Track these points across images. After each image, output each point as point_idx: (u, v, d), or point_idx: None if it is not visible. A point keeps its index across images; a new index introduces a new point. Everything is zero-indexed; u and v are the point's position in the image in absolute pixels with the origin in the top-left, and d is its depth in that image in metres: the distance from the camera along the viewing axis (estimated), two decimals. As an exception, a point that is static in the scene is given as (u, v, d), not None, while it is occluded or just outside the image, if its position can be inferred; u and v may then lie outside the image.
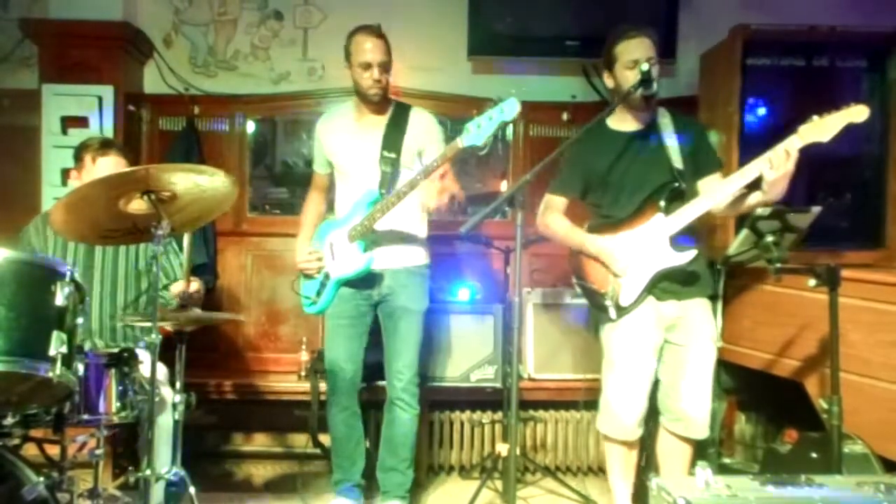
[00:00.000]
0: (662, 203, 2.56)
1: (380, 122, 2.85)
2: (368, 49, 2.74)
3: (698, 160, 2.65)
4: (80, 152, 2.78)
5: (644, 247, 2.58)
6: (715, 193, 2.52)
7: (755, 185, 2.45)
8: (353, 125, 2.90)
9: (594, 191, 2.73)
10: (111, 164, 2.72)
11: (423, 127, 2.81)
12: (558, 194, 2.76)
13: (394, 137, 2.80)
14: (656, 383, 2.69)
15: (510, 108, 2.35)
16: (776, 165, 2.33)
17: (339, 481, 2.96)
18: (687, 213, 2.53)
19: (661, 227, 2.56)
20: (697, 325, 2.64)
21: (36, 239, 2.81)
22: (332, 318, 2.92)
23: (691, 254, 2.53)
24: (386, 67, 2.76)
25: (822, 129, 2.29)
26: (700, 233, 2.70)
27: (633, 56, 2.54)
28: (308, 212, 3.07)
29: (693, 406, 2.63)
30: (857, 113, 2.28)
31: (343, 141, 2.91)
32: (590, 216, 2.78)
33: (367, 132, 2.85)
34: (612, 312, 2.63)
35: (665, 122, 2.66)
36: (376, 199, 2.74)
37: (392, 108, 2.87)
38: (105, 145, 2.80)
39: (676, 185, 2.57)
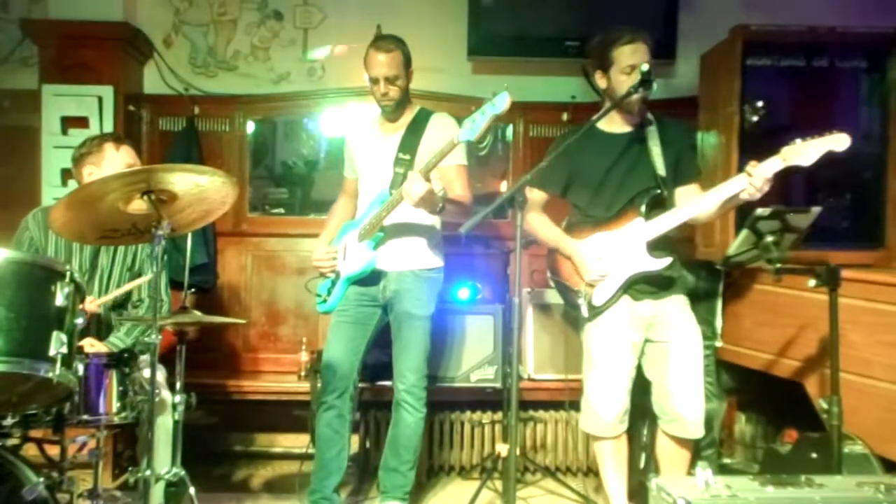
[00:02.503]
0: (643, 208, 2.59)
1: (400, 127, 2.88)
2: (375, 64, 2.78)
3: (678, 169, 2.68)
4: (93, 146, 2.75)
5: (621, 249, 2.61)
6: (694, 206, 2.56)
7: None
8: (375, 129, 2.95)
9: (576, 188, 2.74)
10: (132, 154, 2.76)
11: (441, 130, 2.79)
12: (539, 188, 2.75)
13: (411, 140, 2.83)
14: (648, 385, 2.70)
15: (501, 102, 2.35)
16: (758, 187, 2.37)
17: (312, 491, 2.89)
18: (666, 221, 2.56)
19: (639, 232, 2.59)
20: (676, 320, 2.66)
21: (37, 233, 2.76)
22: (336, 315, 2.92)
23: (667, 261, 2.57)
24: (394, 80, 2.78)
25: (804, 152, 2.32)
26: (674, 237, 2.71)
27: (631, 62, 2.55)
28: (332, 215, 3.10)
29: (685, 406, 2.62)
30: (839, 140, 2.31)
31: (365, 144, 2.96)
32: (570, 213, 2.80)
33: (387, 135, 2.89)
34: (585, 310, 2.67)
35: (652, 127, 2.68)
36: (385, 198, 2.75)
37: (414, 114, 2.90)
38: (119, 137, 2.85)
39: (658, 191, 2.60)
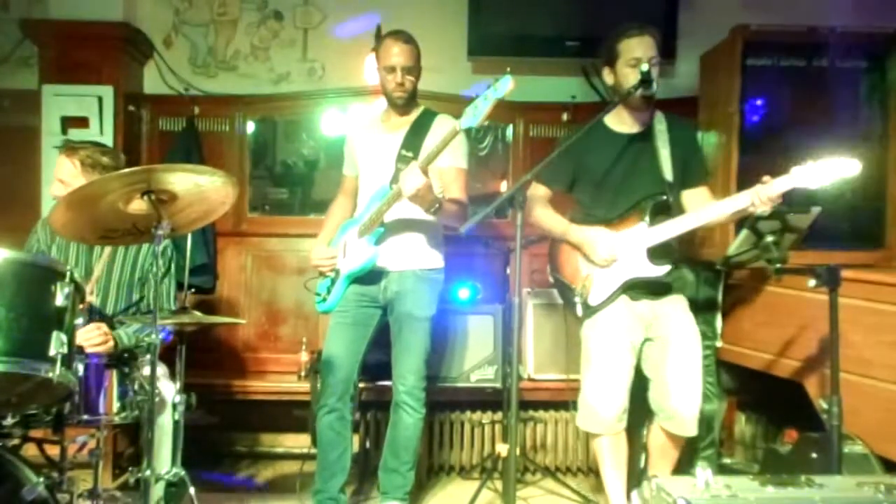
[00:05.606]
0: (648, 213, 2.59)
1: (404, 124, 2.87)
2: (394, 53, 2.79)
3: (687, 171, 2.67)
4: None
5: (622, 252, 2.61)
6: (699, 216, 2.55)
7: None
8: (378, 125, 2.95)
9: (581, 186, 2.75)
10: (60, 167, 2.68)
11: (445, 132, 2.79)
12: (544, 184, 2.78)
13: (415, 138, 2.82)
14: (647, 382, 2.69)
15: (503, 85, 2.36)
16: (764, 203, 2.37)
17: (317, 492, 2.90)
18: (669, 229, 2.56)
19: (641, 237, 2.60)
20: (674, 318, 2.66)
21: (43, 237, 2.78)
22: (336, 315, 2.91)
23: (665, 268, 2.58)
24: (410, 72, 2.80)
25: (814, 175, 2.31)
26: (683, 241, 2.73)
27: (636, 54, 2.54)
28: (331, 214, 3.08)
29: (682, 403, 2.61)
30: (849, 166, 2.31)
31: (367, 139, 2.95)
32: (571, 209, 2.80)
33: (391, 132, 2.88)
34: (580, 309, 2.68)
35: (661, 127, 2.68)
36: (386, 193, 2.74)
37: (419, 113, 2.90)
38: (63, 145, 2.77)
39: (664, 197, 2.61)
